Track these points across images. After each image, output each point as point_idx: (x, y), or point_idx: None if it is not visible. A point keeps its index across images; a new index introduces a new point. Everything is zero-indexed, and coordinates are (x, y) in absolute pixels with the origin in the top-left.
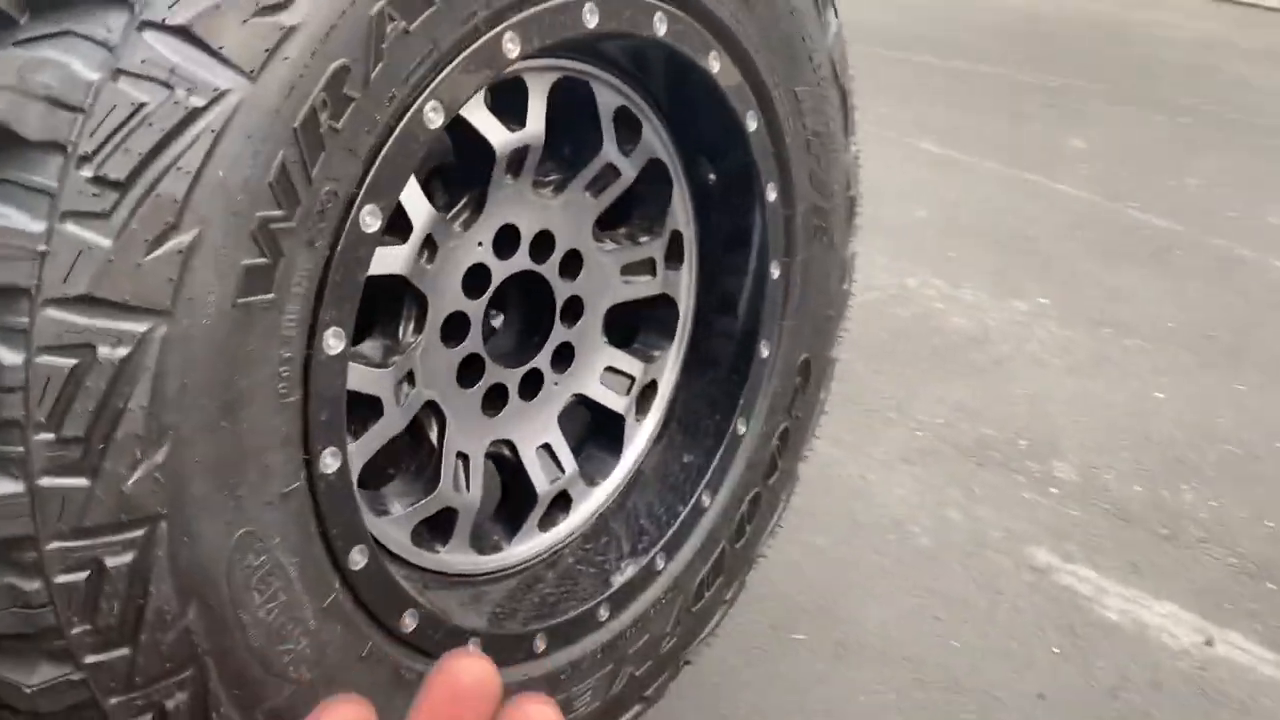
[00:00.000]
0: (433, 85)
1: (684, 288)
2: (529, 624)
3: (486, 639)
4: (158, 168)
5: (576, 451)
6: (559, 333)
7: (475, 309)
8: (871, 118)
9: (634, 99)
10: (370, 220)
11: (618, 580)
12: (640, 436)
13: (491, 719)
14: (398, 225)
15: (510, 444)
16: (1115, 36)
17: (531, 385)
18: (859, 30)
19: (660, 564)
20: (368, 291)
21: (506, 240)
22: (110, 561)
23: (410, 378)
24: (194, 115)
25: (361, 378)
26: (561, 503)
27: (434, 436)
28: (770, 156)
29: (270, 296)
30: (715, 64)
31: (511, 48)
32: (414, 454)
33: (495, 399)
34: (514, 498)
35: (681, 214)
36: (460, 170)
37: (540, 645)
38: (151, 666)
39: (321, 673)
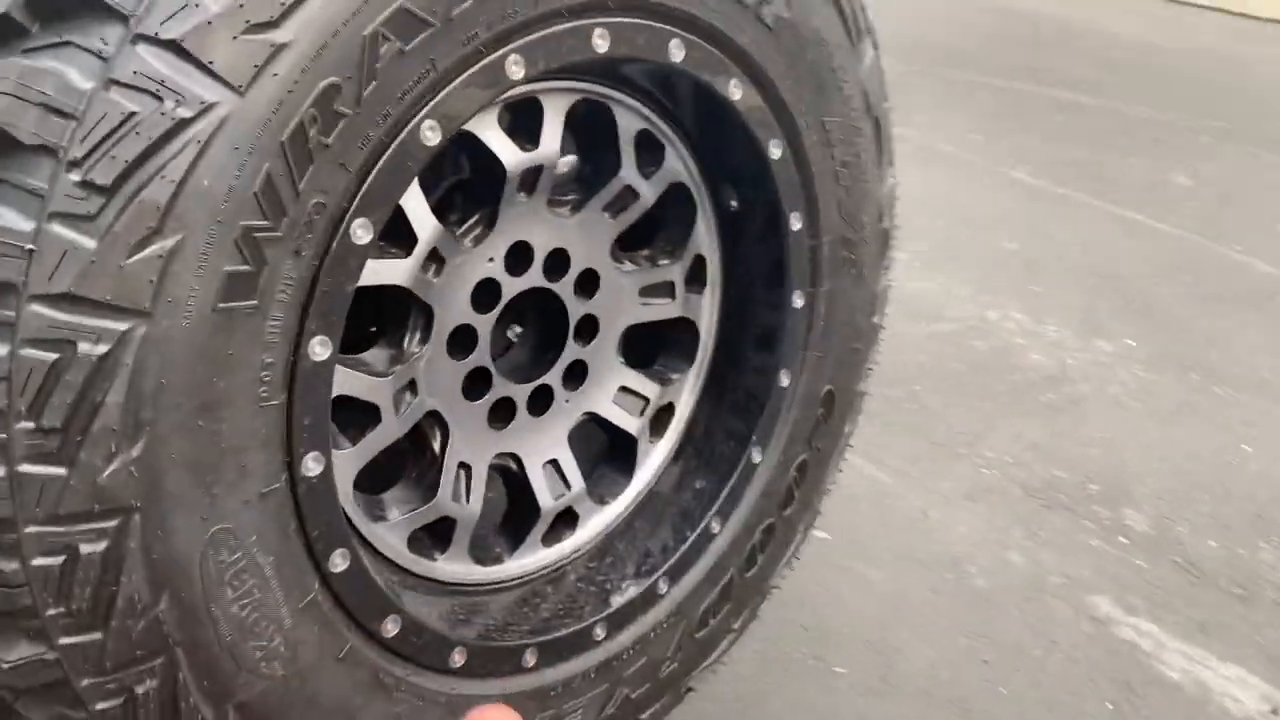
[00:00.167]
0: (431, 104)
1: (705, 312)
2: (520, 638)
3: (472, 649)
4: (143, 174)
5: (589, 470)
6: (572, 350)
7: (484, 323)
8: (965, 146)
9: (656, 123)
10: (362, 233)
11: (617, 601)
12: (654, 459)
13: None
14: (402, 238)
15: (516, 458)
16: (1235, 72)
17: (541, 401)
18: (955, 56)
19: (663, 588)
20: (375, 300)
21: (519, 257)
22: (84, 548)
23: (412, 387)
24: (181, 126)
25: (359, 384)
26: (568, 519)
27: (436, 446)
28: (795, 185)
29: (253, 302)
30: (736, 91)
31: (516, 70)
32: (416, 462)
33: (502, 412)
34: (518, 511)
35: (705, 238)
36: (472, 187)
37: (530, 660)
38: (122, 652)
39: (295, 670)
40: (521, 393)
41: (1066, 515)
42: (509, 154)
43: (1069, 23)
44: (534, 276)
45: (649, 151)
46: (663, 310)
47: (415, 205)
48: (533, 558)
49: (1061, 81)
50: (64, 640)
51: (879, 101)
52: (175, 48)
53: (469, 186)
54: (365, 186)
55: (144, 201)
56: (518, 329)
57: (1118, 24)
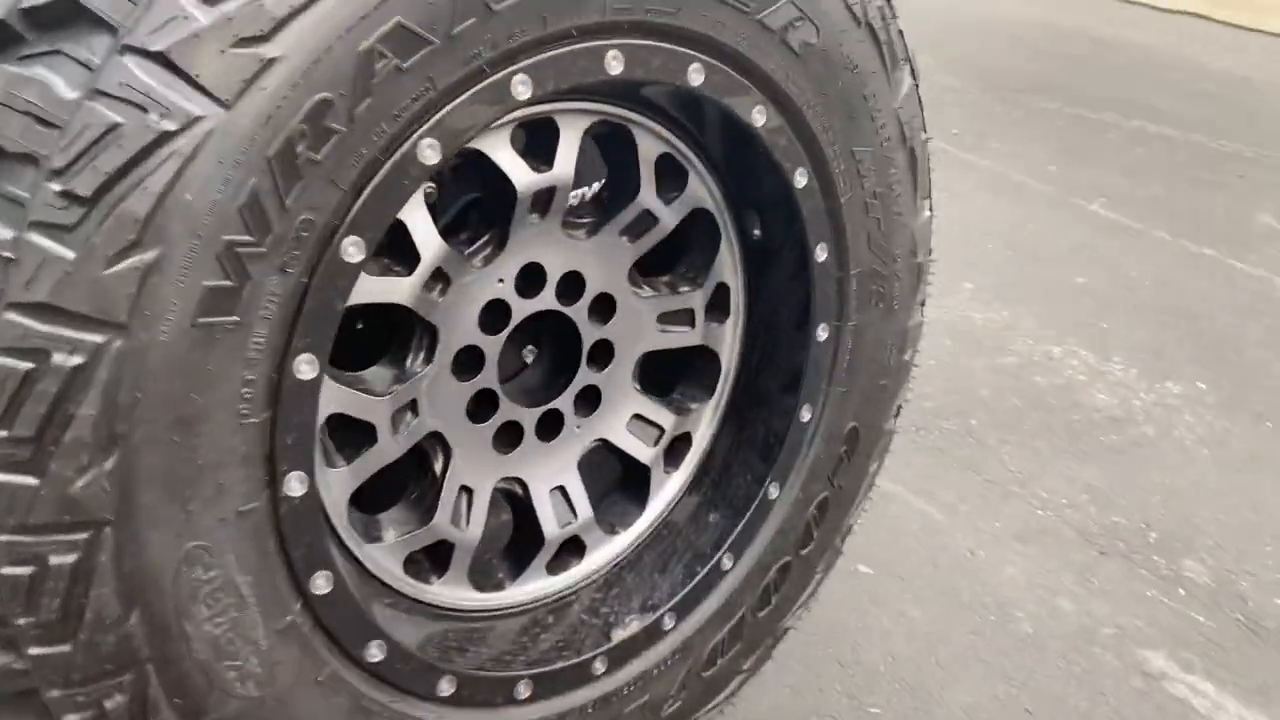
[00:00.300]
0: (430, 122)
1: (727, 342)
2: (515, 668)
3: (463, 678)
4: (124, 186)
5: (600, 498)
6: (585, 375)
7: (492, 345)
8: (1040, 176)
9: (679, 147)
10: (353, 251)
11: (619, 635)
12: (667, 490)
13: None
14: (406, 255)
15: (522, 483)
16: None
17: (550, 426)
18: (1040, 84)
19: (669, 623)
20: (378, 319)
21: (530, 279)
22: (54, 559)
23: (414, 407)
24: (165, 138)
25: (354, 403)
26: (574, 548)
27: (437, 468)
28: (821, 215)
29: (234, 318)
30: (759, 117)
31: (523, 90)
32: (416, 483)
33: (509, 436)
34: (523, 538)
35: (729, 267)
36: (482, 207)
37: (524, 692)
38: (91, 665)
39: (271, 692)
40: (529, 417)
41: (1122, 563)
42: (520, 174)
43: (1160, 55)
44: (546, 299)
45: (671, 176)
46: (682, 338)
47: (419, 223)
48: (535, 586)
49: (1147, 114)
50: (34, 650)
51: (915, 132)
52: (162, 59)
53: (479, 206)
54: (358, 204)
55: (124, 213)
56: (534, 350)
57: (1213, 58)
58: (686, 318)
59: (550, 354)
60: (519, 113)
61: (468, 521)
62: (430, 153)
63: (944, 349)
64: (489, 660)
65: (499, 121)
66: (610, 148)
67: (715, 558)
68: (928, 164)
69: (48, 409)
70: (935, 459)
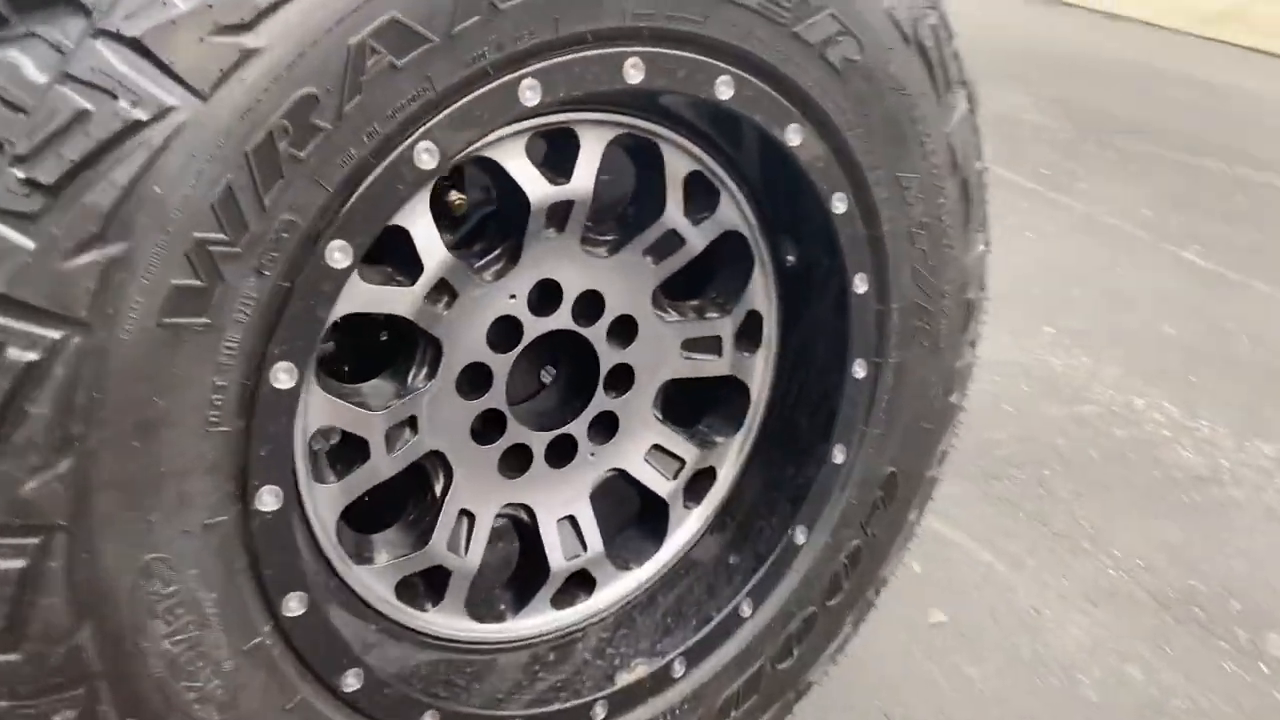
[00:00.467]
0: (427, 125)
1: (758, 374)
2: (504, 709)
3: (447, 714)
4: (89, 176)
5: (614, 532)
6: (601, 400)
7: (501, 363)
8: (1133, 220)
9: (710, 165)
10: (340, 256)
11: (624, 679)
12: (686, 527)
13: None
14: (409, 265)
15: (529, 510)
16: None
17: (562, 452)
18: (1136, 126)
19: (678, 670)
20: (381, 331)
21: (545, 296)
22: (0, 563)
23: (413, 424)
24: (134, 128)
25: (345, 416)
26: (583, 582)
27: (437, 489)
28: (861, 244)
29: (204, 320)
30: (795, 137)
31: (531, 95)
32: (415, 504)
33: (516, 460)
34: (528, 568)
35: (762, 294)
36: (494, 218)
37: None
38: (38, 678)
39: (234, 717)
40: (539, 441)
41: (1199, 632)
42: (534, 185)
43: (1271, 103)
44: (561, 318)
45: (701, 195)
46: (708, 367)
47: (423, 231)
48: (538, 620)
49: (1252, 162)
50: None
51: (969, 160)
52: (136, 45)
53: (492, 217)
54: (346, 207)
55: (88, 204)
56: (552, 371)
57: None
58: (714, 345)
59: (566, 376)
60: (531, 121)
61: (467, 548)
62: (428, 157)
63: (1020, 394)
64: (479, 697)
65: (508, 128)
66: (638, 162)
67: (733, 603)
68: (983, 195)
69: None
70: (1003, 509)
